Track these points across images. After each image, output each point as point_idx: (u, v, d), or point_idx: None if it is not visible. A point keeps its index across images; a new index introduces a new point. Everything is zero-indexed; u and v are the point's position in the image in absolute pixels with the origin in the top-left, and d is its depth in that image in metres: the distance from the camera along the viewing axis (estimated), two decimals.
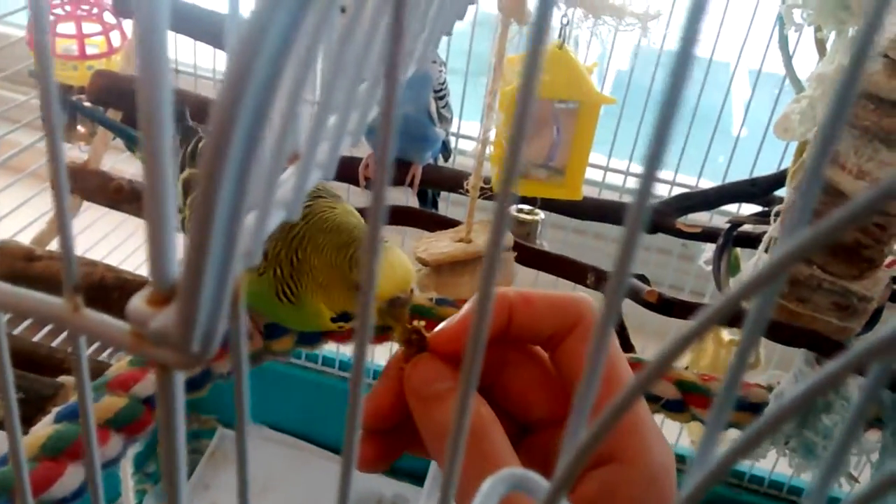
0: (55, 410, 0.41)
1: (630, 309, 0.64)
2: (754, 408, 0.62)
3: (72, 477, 0.39)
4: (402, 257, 0.47)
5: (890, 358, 0.14)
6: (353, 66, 0.22)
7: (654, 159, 0.15)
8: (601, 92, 0.68)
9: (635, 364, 0.60)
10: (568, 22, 0.62)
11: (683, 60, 0.16)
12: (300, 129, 0.21)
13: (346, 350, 1.14)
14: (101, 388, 0.43)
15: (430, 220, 0.75)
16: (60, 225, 0.22)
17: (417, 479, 1.15)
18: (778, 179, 0.79)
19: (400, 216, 0.76)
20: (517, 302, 0.30)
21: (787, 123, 0.71)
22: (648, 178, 0.15)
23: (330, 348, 1.15)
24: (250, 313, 0.54)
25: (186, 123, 0.61)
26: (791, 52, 0.81)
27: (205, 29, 0.82)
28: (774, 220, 0.65)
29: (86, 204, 0.81)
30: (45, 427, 0.40)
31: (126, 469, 0.78)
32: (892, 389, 0.58)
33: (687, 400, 0.61)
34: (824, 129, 0.16)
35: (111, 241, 0.88)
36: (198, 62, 1.07)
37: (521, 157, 0.18)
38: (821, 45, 0.74)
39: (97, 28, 0.82)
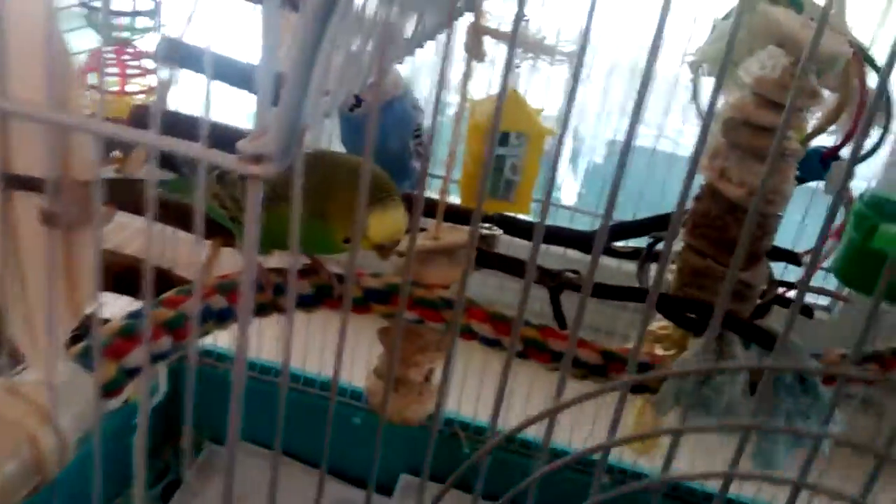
0: (127, 312, 0.56)
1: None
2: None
3: (136, 354, 0.53)
4: (398, 217, 0.63)
5: None
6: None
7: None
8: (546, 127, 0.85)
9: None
10: (518, 66, 0.80)
11: None
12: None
13: (326, 372, 1.27)
14: (156, 304, 0.57)
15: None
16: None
17: (385, 491, 1.26)
18: None
19: None
20: None
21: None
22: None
23: (311, 369, 1.28)
24: (267, 273, 0.67)
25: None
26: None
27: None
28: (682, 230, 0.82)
29: None
30: (119, 321, 0.54)
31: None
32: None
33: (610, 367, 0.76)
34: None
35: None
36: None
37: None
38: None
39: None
